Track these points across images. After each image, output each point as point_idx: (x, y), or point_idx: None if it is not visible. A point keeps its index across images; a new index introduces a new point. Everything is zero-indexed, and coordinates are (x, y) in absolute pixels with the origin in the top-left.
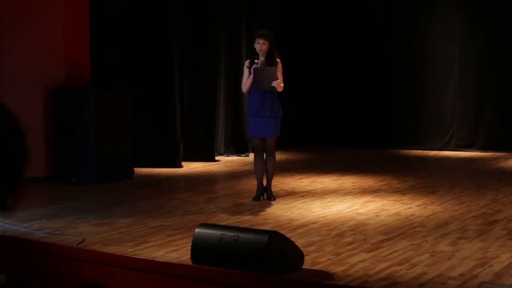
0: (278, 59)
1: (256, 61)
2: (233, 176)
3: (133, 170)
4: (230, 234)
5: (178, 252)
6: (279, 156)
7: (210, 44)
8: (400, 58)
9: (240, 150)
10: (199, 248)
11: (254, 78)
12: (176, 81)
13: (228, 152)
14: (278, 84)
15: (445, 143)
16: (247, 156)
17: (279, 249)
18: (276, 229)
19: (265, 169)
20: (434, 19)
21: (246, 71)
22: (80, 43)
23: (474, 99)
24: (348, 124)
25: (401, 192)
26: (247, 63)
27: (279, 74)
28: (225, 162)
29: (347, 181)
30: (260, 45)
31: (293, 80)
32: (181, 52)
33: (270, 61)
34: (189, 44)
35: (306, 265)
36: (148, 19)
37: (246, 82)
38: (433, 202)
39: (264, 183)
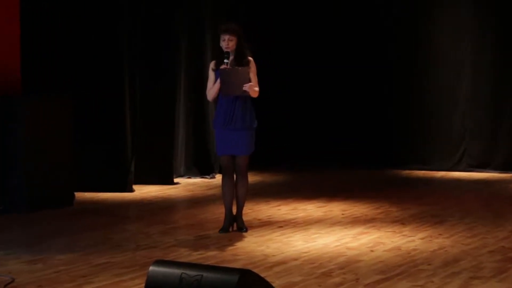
0: (250, 58)
1: (226, 61)
2: (195, 202)
3: (74, 195)
4: (192, 273)
5: None
6: (253, 177)
7: (168, 42)
8: (401, 60)
9: (204, 170)
10: None
11: (221, 81)
12: (125, 87)
13: (189, 173)
14: (251, 88)
15: (455, 162)
16: (213, 178)
17: None
18: (248, 267)
19: (235, 194)
20: (439, 14)
21: (211, 74)
22: (9, 46)
23: (489, 109)
24: (337, 139)
25: (401, 222)
26: (212, 64)
27: (252, 75)
28: (186, 185)
29: (335, 209)
30: (226, 42)
31: (270, 84)
32: (132, 53)
33: (239, 60)
34: (142, 44)
35: None
36: (91, 15)
37: (212, 87)
38: (440, 235)
39: (234, 210)
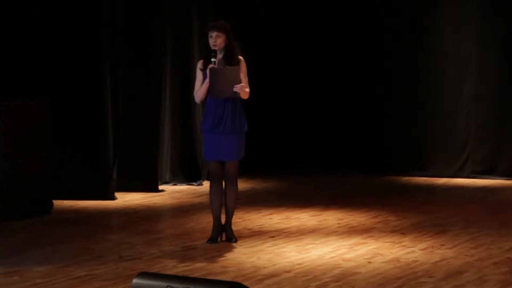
0: (240, 57)
1: (213, 59)
2: (182, 211)
3: (52, 203)
4: (179, 286)
5: None
6: (243, 184)
7: (153, 40)
8: (399, 58)
9: (191, 177)
10: None
11: (210, 82)
12: (107, 87)
13: (175, 180)
14: (242, 89)
15: (458, 168)
16: (201, 185)
17: None
18: (238, 280)
19: (224, 202)
20: (441, 7)
21: (199, 74)
22: None
23: (495, 111)
24: (332, 143)
25: (400, 231)
26: (200, 64)
27: (243, 75)
28: (171, 192)
29: (331, 218)
30: (214, 39)
31: (262, 85)
32: (115, 51)
33: (229, 59)
34: (125, 41)
35: None
36: (69, 12)
37: (200, 88)
38: (442, 245)
39: (223, 220)
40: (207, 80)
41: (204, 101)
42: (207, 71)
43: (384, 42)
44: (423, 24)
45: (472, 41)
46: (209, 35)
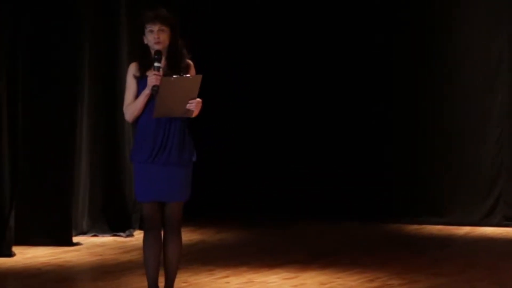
0: (188, 61)
1: (157, 64)
2: (105, 271)
3: None
4: None
5: None
6: (189, 235)
7: (65, 39)
8: (406, 67)
9: (117, 225)
10: None
11: (159, 96)
12: (2, 104)
13: (96, 229)
14: (199, 106)
15: (485, 212)
16: (131, 235)
17: None
18: None
19: (164, 259)
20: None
21: (132, 82)
22: None
23: None
24: (314, 177)
25: None
26: (133, 69)
27: None
28: (90, 246)
29: (310, 281)
30: (156, 34)
31: (215, 99)
32: (13, 55)
33: (174, 63)
34: (27, 42)
35: None
36: None
37: (134, 102)
38: None
39: (162, 284)
40: (146, 91)
41: (137, 119)
42: (149, 79)
43: (386, 52)
44: (436, 26)
45: (503, 44)
46: (149, 29)
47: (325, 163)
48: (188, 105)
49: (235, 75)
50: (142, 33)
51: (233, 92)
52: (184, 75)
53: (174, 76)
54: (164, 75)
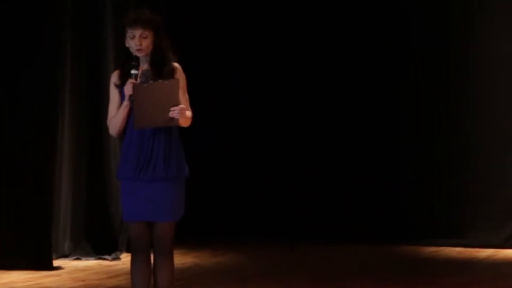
0: (175, 64)
1: (134, 72)
2: None
3: None
4: None
5: None
6: (181, 258)
7: (41, 45)
8: (418, 74)
9: (102, 247)
10: None
11: (134, 105)
12: None
13: (78, 252)
14: (183, 113)
15: (509, 235)
16: (117, 259)
17: None
18: None
19: (154, 285)
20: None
21: (114, 92)
22: None
23: None
24: (321, 195)
25: None
26: (115, 77)
27: (182, 92)
28: (72, 271)
29: None
30: (138, 40)
31: (210, 106)
32: None
33: (159, 67)
34: (2, 47)
35: None
36: None
37: (117, 114)
38: None
39: None
40: (125, 102)
41: (122, 132)
42: (130, 88)
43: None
44: (451, 27)
45: None
46: (130, 34)
47: (337, 184)
48: (170, 112)
49: (235, 75)
50: (124, 36)
51: (232, 94)
52: (160, 80)
53: (148, 81)
54: (146, 81)
